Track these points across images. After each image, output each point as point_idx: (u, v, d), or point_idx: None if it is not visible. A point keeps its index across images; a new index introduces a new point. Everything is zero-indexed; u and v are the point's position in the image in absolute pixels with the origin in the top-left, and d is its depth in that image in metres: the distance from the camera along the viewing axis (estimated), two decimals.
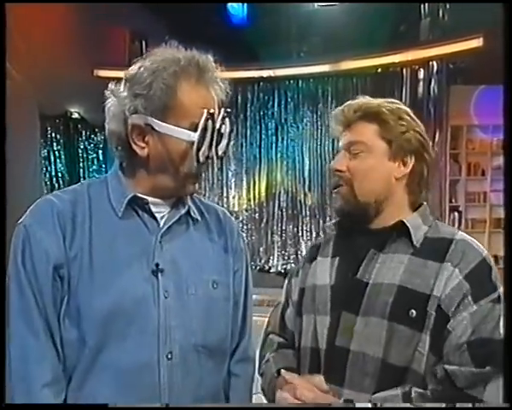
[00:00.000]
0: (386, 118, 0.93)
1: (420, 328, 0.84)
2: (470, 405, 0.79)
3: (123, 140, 0.87)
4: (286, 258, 5.67)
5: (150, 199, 0.90)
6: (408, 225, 0.91)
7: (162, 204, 0.92)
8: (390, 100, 0.99)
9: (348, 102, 1.00)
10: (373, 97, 1.00)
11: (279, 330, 1.05)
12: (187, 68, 0.85)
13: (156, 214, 0.90)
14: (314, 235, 5.61)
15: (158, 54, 0.87)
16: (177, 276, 0.88)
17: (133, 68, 0.87)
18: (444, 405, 0.80)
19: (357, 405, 0.83)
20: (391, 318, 0.86)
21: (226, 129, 0.89)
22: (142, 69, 0.85)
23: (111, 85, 0.92)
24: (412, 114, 0.97)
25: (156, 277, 0.86)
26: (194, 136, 0.82)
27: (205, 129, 0.83)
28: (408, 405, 0.80)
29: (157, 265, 0.87)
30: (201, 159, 0.84)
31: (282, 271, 5.57)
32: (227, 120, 0.89)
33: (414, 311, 0.84)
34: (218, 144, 0.87)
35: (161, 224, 0.90)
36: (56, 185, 6.28)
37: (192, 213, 0.94)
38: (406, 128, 0.93)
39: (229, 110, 0.89)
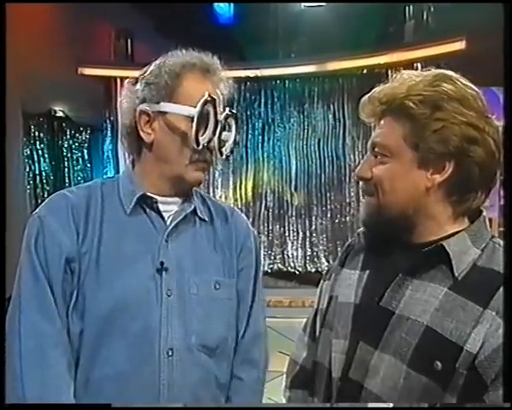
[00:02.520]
0: (414, 113, 0.72)
1: (444, 386, 0.66)
2: (470, 405, 0.67)
3: (132, 129, 0.91)
4: (272, 258, 5.68)
5: (159, 198, 0.92)
6: (449, 251, 0.71)
7: (170, 202, 0.94)
8: (435, 76, 0.73)
9: (377, 88, 0.79)
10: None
11: (308, 336, 0.95)
12: (192, 63, 0.90)
13: (164, 213, 0.92)
14: (300, 235, 5.63)
15: (169, 54, 0.93)
16: (180, 275, 0.90)
17: (147, 66, 0.93)
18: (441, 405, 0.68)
19: (369, 405, 0.74)
20: (411, 364, 0.69)
21: (232, 129, 0.94)
22: (153, 65, 0.91)
23: (127, 83, 0.97)
24: (467, 93, 0.71)
25: (160, 275, 0.88)
26: (194, 111, 0.86)
27: (204, 110, 0.86)
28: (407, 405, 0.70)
29: (162, 263, 0.88)
30: (201, 142, 0.86)
31: (269, 271, 5.58)
32: (232, 121, 0.94)
33: (439, 363, 0.66)
34: (221, 138, 0.90)
35: (168, 222, 0.91)
36: (40, 185, 6.19)
37: (199, 213, 0.96)
38: (444, 123, 0.70)
39: (234, 111, 0.93)
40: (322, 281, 0.95)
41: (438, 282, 0.71)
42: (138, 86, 0.90)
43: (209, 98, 0.86)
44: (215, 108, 0.88)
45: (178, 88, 0.88)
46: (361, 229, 0.88)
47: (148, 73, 0.90)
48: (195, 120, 0.85)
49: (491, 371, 0.64)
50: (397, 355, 0.71)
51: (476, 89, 0.74)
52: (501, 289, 0.66)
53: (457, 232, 0.74)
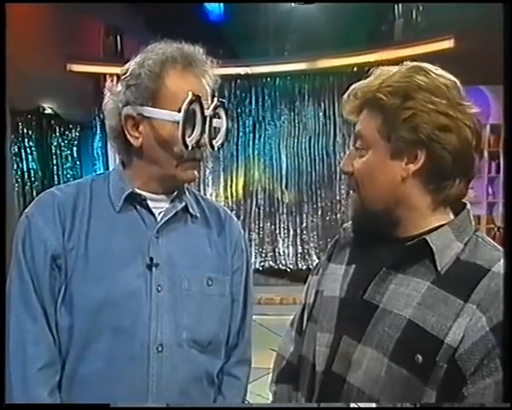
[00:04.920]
0: (384, 104, 0.73)
1: (425, 379, 0.66)
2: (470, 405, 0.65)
3: (119, 133, 0.90)
4: (263, 256, 5.69)
5: (148, 195, 0.92)
6: (432, 245, 0.71)
7: (160, 200, 0.93)
8: (409, 68, 0.74)
9: (354, 85, 0.79)
10: None
11: (295, 331, 0.94)
12: (173, 57, 0.87)
13: (154, 210, 0.92)
14: (291, 232, 5.65)
15: (148, 49, 0.90)
16: (171, 270, 0.90)
17: (127, 64, 0.90)
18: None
19: (360, 405, 0.73)
20: (392, 358, 0.69)
21: (222, 120, 0.92)
22: (133, 63, 0.89)
23: (109, 84, 0.95)
24: (440, 83, 0.72)
25: (150, 270, 0.88)
26: (179, 116, 0.84)
27: (189, 111, 0.85)
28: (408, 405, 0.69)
29: (151, 259, 0.88)
30: (189, 144, 0.85)
31: (260, 268, 5.60)
32: (222, 110, 0.92)
33: (420, 356, 0.66)
34: (211, 133, 0.88)
35: (159, 219, 0.91)
36: (28, 182, 6.12)
37: (190, 209, 0.95)
38: (414, 111, 0.71)
39: (222, 100, 0.91)
40: (310, 276, 0.95)
41: (421, 276, 0.71)
42: (120, 88, 0.88)
43: (193, 98, 0.84)
44: (201, 104, 0.86)
45: (160, 90, 0.85)
46: (346, 224, 0.88)
47: (128, 74, 0.88)
48: (181, 125, 0.84)
49: (470, 364, 0.64)
50: (379, 349, 0.71)
51: (452, 78, 0.74)
52: (482, 282, 0.66)
53: (441, 226, 0.74)
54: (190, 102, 0.84)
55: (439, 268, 0.70)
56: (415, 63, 0.76)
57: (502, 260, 0.68)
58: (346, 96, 0.81)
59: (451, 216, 0.76)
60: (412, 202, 0.75)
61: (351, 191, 0.82)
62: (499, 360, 0.62)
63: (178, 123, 0.84)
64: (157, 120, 0.86)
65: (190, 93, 0.84)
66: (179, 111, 0.84)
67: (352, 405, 0.74)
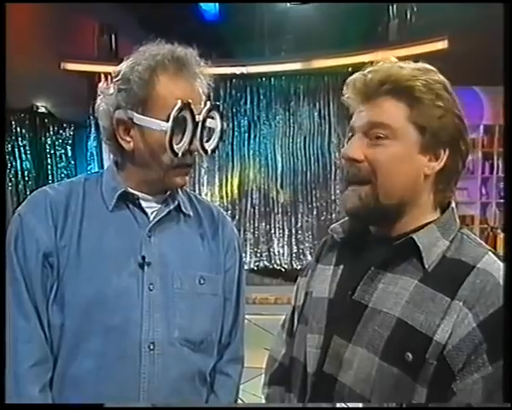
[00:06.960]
0: (421, 96, 0.71)
1: (415, 377, 0.66)
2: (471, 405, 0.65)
3: (111, 135, 0.90)
4: (258, 255, 5.69)
5: (141, 194, 0.92)
6: (419, 244, 0.71)
7: (153, 199, 0.94)
8: (424, 67, 0.74)
9: (372, 68, 0.75)
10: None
11: (286, 333, 0.94)
12: (163, 62, 0.86)
13: (147, 209, 0.92)
14: (286, 232, 5.66)
15: (141, 50, 0.89)
16: (163, 269, 0.90)
17: (120, 65, 0.90)
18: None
19: (349, 405, 0.73)
20: (383, 356, 0.69)
21: (217, 123, 0.91)
22: (124, 66, 0.88)
23: (102, 85, 0.95)
24: (450, 88, 0.73)
25: (142, 269, 0.88)
26: (166, 126, 0.83)
27: (178, 119, 0.84)
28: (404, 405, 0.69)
29: (143, 258, 0.88)
30: (178, 151, 0.85)
31: (255, 268, 5.60)
32: (216, 113, 0.91)
33: (410, 354, 0.67)
34: (202, 138, 0.88)
35: (151, 218, 0.92)
36: (22, 181, 6.09)
37: (183, 209, 0.96)
38: (444, 111, 0.71)
39: (217, 103, 0.90)
40: (299, 277, 0.94)
41: (409, 274, 0.71)
42: (112, 90, 0.88)
43: (182, 105, 0.83)
44: (191, 111, 0.85)
45: (150, 97, 0.85)
46: (334, 224, 0.86)
47: (119, 77, 0.87)
48: (168, 135, 0.83)
49: (458, 360, 0.64)
50: (369, 348, 0.71)
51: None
52: (467, 279, 0.67)
53: (427, 224, 0.74)
54: (179, 110, 0.83)
55: (427, 266, 0.70)
56: (420, 64, 0.76)
57: (486, 257, 0.69)
58: (360, 77, 0.76)
59: (438, 214, 0.77)
60: (422, 200, 0.75)
61: (352, 184, 0.75)
62: (486, 356, 0.63)
63: (166, 132, 0.84)
64: (146, 128, 0.86)
65: (179, 101, 0.83)
66: (168, 118, 0.83)
67: (338, 405, 0.74)
